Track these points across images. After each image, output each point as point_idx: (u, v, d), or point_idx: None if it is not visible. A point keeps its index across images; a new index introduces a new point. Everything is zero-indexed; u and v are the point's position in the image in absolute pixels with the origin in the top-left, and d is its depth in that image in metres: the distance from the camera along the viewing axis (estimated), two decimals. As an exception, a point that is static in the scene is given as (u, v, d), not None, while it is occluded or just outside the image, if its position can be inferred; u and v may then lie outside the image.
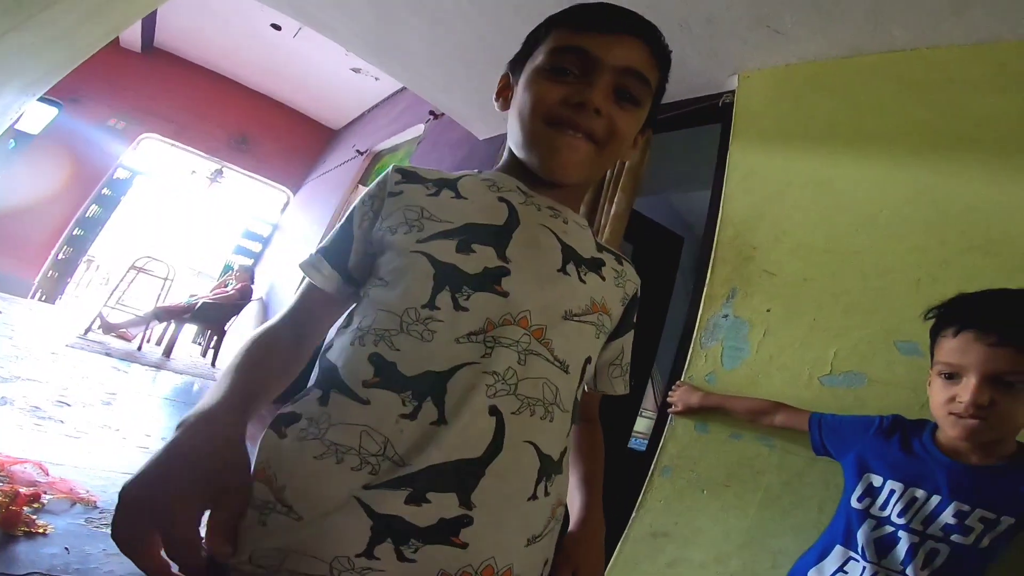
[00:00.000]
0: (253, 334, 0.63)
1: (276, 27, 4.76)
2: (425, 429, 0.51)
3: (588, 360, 0.63)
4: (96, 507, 1.72)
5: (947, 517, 0.91)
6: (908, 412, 0.99)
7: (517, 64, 0.69)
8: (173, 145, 6.22)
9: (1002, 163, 1.14)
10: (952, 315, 0.91)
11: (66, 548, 1.42)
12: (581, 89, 0.61)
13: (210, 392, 0.53)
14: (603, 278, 0.67)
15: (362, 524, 0.48)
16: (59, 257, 5.73)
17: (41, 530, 1.47)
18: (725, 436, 1.31)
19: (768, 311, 1.34)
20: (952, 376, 0.88)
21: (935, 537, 0.92)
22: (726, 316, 1.40)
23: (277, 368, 0.60)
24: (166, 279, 5.60)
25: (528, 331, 0.55)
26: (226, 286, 5.48)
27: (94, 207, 5.90)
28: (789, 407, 1.19)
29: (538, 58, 0.65)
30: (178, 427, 0.47)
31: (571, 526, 0.70)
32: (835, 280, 1.27)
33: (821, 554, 1.05)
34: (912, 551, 0.93)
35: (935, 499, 0.93)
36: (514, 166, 0.69)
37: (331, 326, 0.65)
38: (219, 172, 6.86)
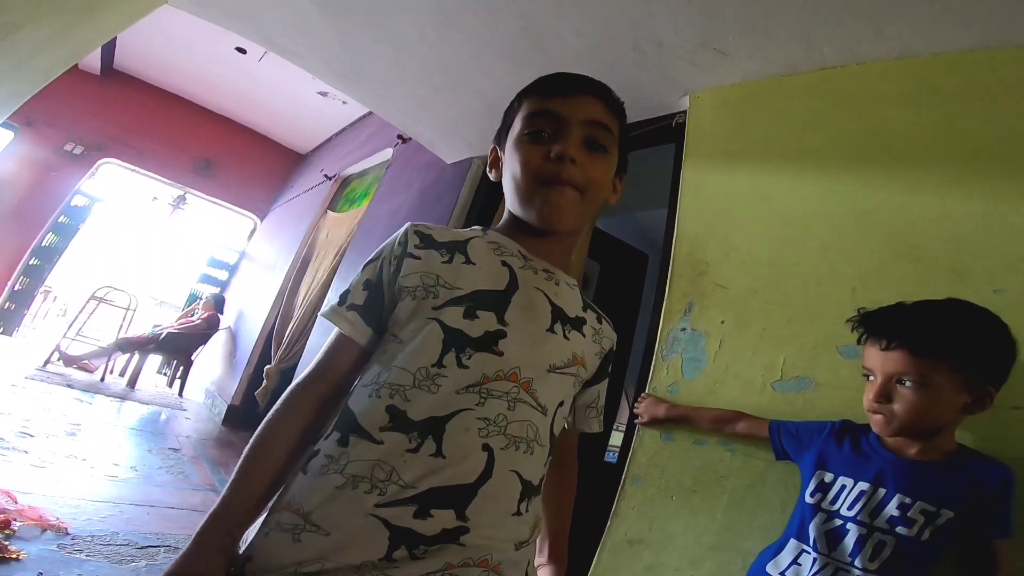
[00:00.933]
0: (286, 404, 0.71)
1: (241, 51, 4.75)
2: (425, 460, 0.62)
3: (561, 403, 0.75)
4: (68, 534, 1.71)
5: (892, 509, 0.98)
6: (854, 412, 1.06)
7: (500, 137, 0.82)
8: (133, 171, 6.03)
9: (922, 175, 1.25)
10: (861, 325, 1.02)
11: (40, 573, 1.42)
12: (556, 145, 0.73)
13: (213, 508, 0.64)
14: (583, 335, 0.78)
15: (381, 535, 0.60)
16: (15, 288, 5.52)
17: (14, 555, 1.47)
18: (689, 443, 1.37)
19: (722, 323, 1.42)
20: (869, 378, 0.99)
21: (882, 529, 0.98)
22: (684, 329, 1.48)
23: (297, 447, 0.69)
24: (128, 309, 5.46)
25: (518, 384, 0.68)
26: (192, 316, 5.37)
27: (51, 235, 5.69)
28: (749, 416, 1.26)
29: (517, 127, 0.78)
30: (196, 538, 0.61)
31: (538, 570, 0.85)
32: (779, 291, 1.35)
33: (778, 549, 1.12)
34: (860, 543, 0.99)
35: (881, 492, 1.00)
36: (514, 228, 0.80)
37: (358, 374, 0.73)
38: (182, 198, 6.70)
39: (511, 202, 0.78)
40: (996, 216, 1.13)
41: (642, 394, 1.49)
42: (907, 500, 0.97)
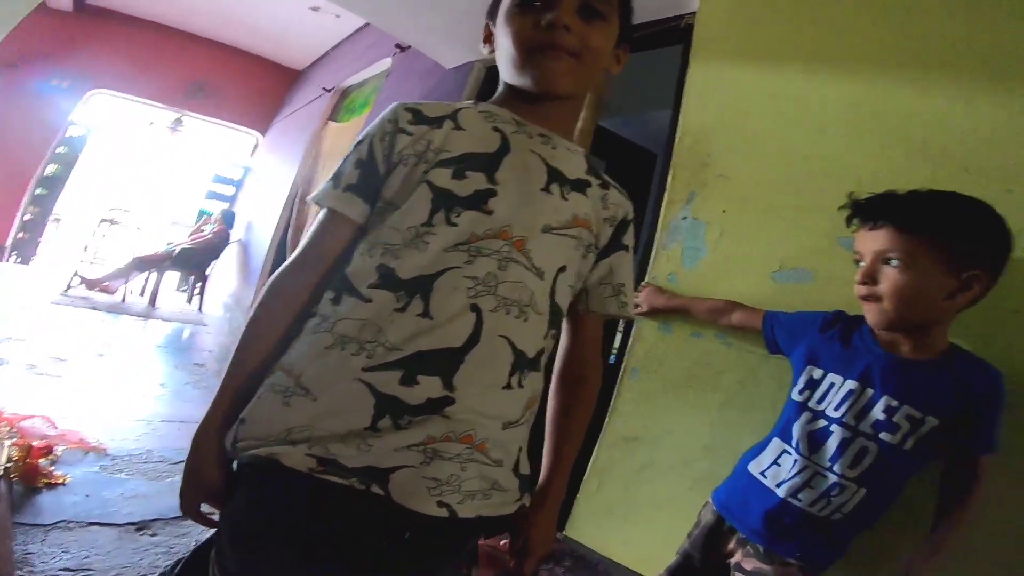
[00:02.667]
0: (275, 288, 0.71)
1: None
2: (413, 320, 0.62)
3: (563, 268, 0.72)
4: (107, 454, 1.80)
5: (877, 412, 0.97)
6: (852, 305, 1.05)
7: (492, 11, 0.79)
8: (125, 98, 5.92)
9: (938, 78, 1.19)
10: (851, 209, 1.00)
11: (87, 495, 1.51)
12: (547, 12, 0.70)
13: (215, 398, 0.68)
14: (587, 196, 0.75)
15: (367, 403, 0.61)
16: (26, 218, 5.59)
17: (61, 480, 1.54)
18: (687, 335, 1.39)
19: (724, 212, 1.39)
20: (860, 264, 0.98)
21: (865, 434, 0.98)
22: (685, 218, 1.46)
23: (292, 326, 0.70)
24: (139, 229, 5.53)
25: (509, 242, 0.66)
26: (203, 231, 5.43)
27: (52, 166, 5.71)
28: (745, 306, 1.26)
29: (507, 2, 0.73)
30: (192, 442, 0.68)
31: (536, 490, 0.80)
32: (785, 183, 1.32)
33: (761, 447, 1.13)
34: (842, 447, 0.99)
35: (869, 392, 0.99)
36: (509, 98, 0.77)
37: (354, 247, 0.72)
38: (179, 121, 6.60)
39: (505, 73, 0.76)
40: (1013, 118, 1.08)
41: (642, 283, 1.50)
42: (893, 403, 0.96)
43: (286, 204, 4.44)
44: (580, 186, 0.75)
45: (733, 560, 1.11)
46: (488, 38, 0.81)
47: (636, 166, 2.77)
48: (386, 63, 3.84)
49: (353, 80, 4.53)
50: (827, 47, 1.37)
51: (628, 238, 0.82)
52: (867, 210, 0.97)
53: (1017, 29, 1.12)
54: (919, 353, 0.97)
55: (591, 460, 1.54)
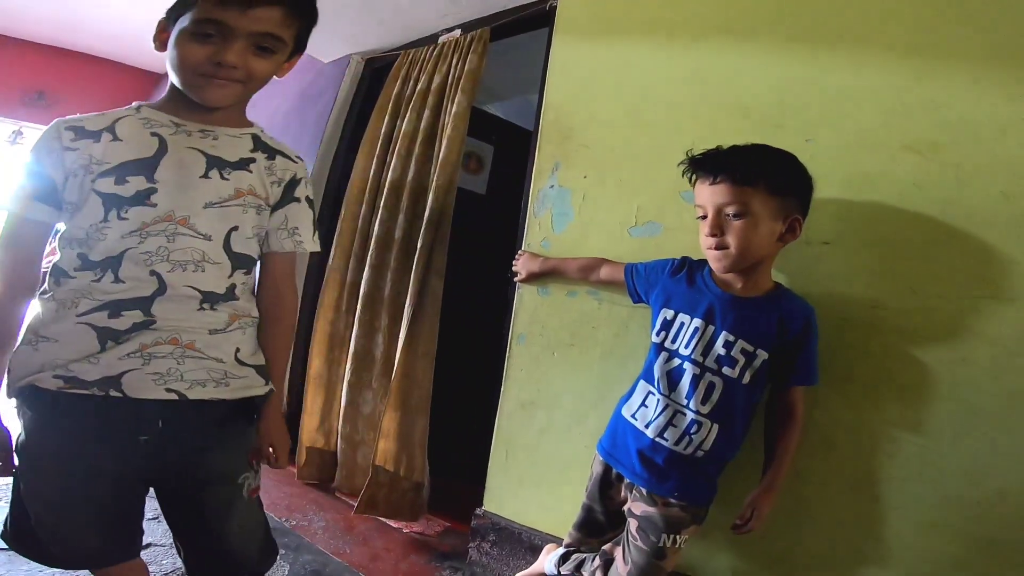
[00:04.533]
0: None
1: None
2: (108, 286, 0.79)
3: (235, 228, 0.87)
4: None
5: (719, 348, 1.08)
6: (697, 252, 1.16)
7: (171, 14, 0.83)
8: None
9: (755, 45, 1.35)
10: (690, 166, 1.11)
11: None
12: (219, 51, 0.79)
13: None
14: (250, 171, 0.89)
15: (91, 335, 0.78)
16: None
17: None
18: (563, 296, 1.48)
19: (585, 178, 1.50)
20: (703, 217, 1.08)
21: (711, 369, 1.08)
22: (552, 187, 1.55)
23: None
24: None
25: (173, 222, 0.82)
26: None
27: None
28: (610, 261, 1.36)
29: (186, 21, 0.80)
30: None
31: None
32: (632, 147, 1.45)
33: (631, 391, 1.21)
34: (694, 383, 1.09)
35: (711, 329, 1.10)
36: (173, 99, 0.87)
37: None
38: (19, 132, 5.96)
39: (172, 77, 0.85)
40: (812, 80, 1.25)
41: (518, 252, 1.57)
42: (731, 338, 1.07)
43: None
44: (243, 164, 0.89)
45: (625, 506, 1.19)
46: (160, 35, 0.86)
47: (519, 146, 2.84)
48: (258, 60, 3.68)
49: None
50: (666, 21, 1.49)
51: (300, 191, 0.96)
52: (705, 166, 1.07)
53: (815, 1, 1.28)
54: (750, 291, 1.10)
55: (495, 431, 1.60)
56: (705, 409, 1.08)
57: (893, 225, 1.13)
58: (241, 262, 0.89)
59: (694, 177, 1.10)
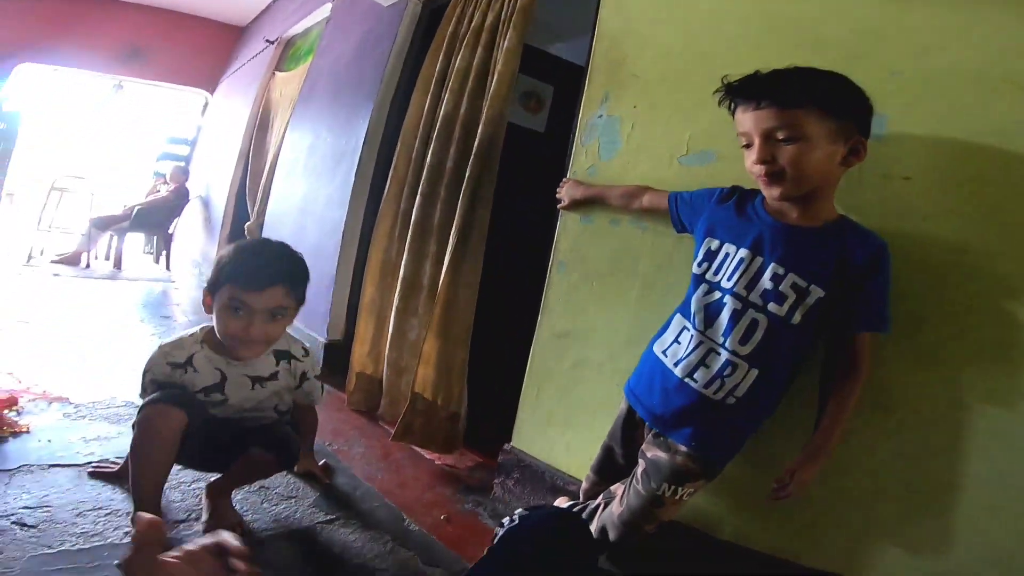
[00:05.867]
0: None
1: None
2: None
3: (275, 406, 1.38)
4: (70, 403, 1.83)
5: (766, 281, 0.99)
6: (749, 183, 1.10)
7: (211, 288, 1.25)
8: (57, 69, 5.67)
9: None
10: (728, 93, 1.01)
11: (49, 440, 1.54)
12: (246, 326, 1.21)
13: None
14: (278, 379, 1.35)
15: None
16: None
17: (23, 428, 1.58)
18: (606, 223, 1.45)
19: (635, 107, 1.45)
20: (748, 145, 0.99)
21: (755, 305, 1.00)
22: (601, 116, 1.51)
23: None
24: (92, 195, 5.41)
25: (241, 411, 1.32)
26: (157, 190, 5.34)
27: (-8, 143, 5.51)
28: (654, 189, 1.31)
29: (222, 297, 1.22)
30: None
31: None
32: (688, 78, 1.38)
33: (666, 326, 1.15)
34: (734, 319, 1.01)
35: (759, 260, 1.01)
36: (221, 345, 1.28)
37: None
38: (119, 86, 6.36)
39: (218, 333, 1.27)
40: (897, 16, 1.12)
41: (563, 179, 1.55)
42: (780, 271, 0.98)
43: (240, 156, 4.43)
44: (272, 377, 1.34)
45: (642, 448, 1.14)
46: (206, 302, 1.26)
47: (580, 85, 2.81)
48: (326, 9, 3.81)
49: (296, 30, 4.49)
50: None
51: (309, 374, 1.42)
52: (747, 91, 0.98)
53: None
54: (807, 221, 1.00)
55: (528, 364, 1.60)
56: (744, 350, 1.00)
57: (988, 163, 1.01)
58: (281, 413, 1.40)
59: (733, 105, 1.01)
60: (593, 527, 1.16)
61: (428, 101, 2.20)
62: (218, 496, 1.32)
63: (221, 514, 1.28)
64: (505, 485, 1.60)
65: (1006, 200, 0.99)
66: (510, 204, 2.06)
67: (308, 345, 1.45)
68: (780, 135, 0.94)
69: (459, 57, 2.11)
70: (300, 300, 1.30)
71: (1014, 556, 0.97)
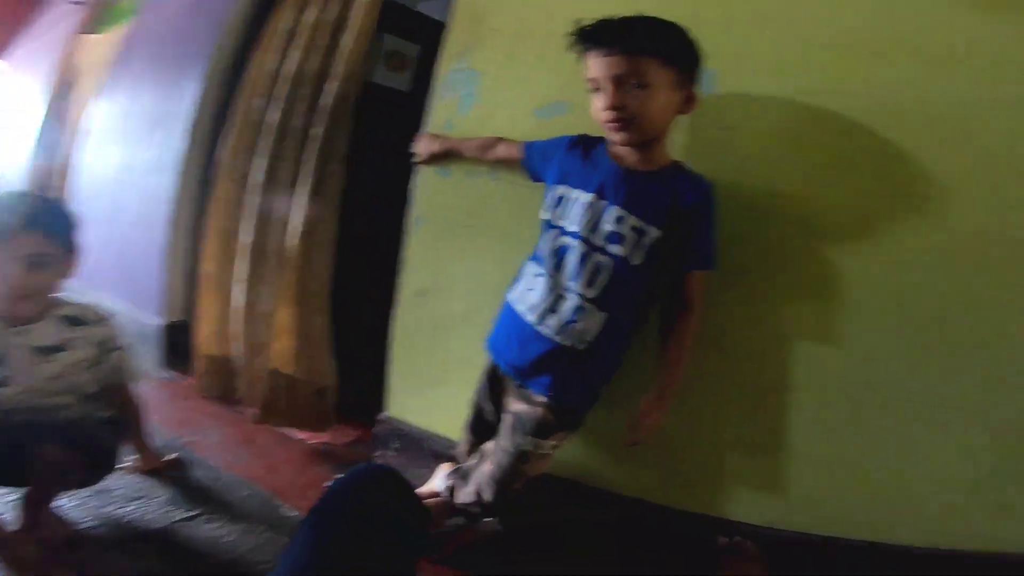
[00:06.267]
0: None
1: None
2: None
3: (77, 393, 1.18)
4: None
5: (608, 223, 1.03)
6: (598, 132, 1.11)
7: None
8: None
9: None
10: (579, 38, 1.03)
11: None
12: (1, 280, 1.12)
13: None
14: (71, 350, 1.17)
15: None
16: None
17: None
18: (462, 176, 1.42)
19: (495, 61, 1.43)
20: (597, 90, 1.01)
21: (599, 248, 1.03)
22: (461, 70, 1.47)
23: None
24: None
25: (30, 394, 1.12)
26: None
27: None
28: (507, 140, 1.30)
29: None
30: None
31: None
32: (545, 31, 1.36)
33: (520, 274, 1.16)
34: (581, 263, 1.04)
35: (601, 204, 1.04)
36: None
37: None
38: None
39: None
40: None
41: (417, 134, 1.50)
42: (621, 214, 1.02)
43: (43, 126, 3.81)
44: (60, 348, 1.16)
45: (506, 402, 1.14)
46: None
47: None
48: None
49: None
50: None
51: (112, 348, 1.25)
52: (600, 37, 1.00)
53: None
54: (645, 165, 1.06)
55: (392, 325, 1.53)
56: (591, 292, 1.04)
57: (804, 118, 1.11)
58: (88, 401, 1.21)
59: (585, 51, 1.03)
60: (470, 489, 1.15)
61: (273, 57, 2.01)
62: (34, 507, 1.06)
63: (39, 525, 1.05)
64: (384, 457, 1.53)
65: (817, 151, 1.11)
66: (374, 164, 1.97)
67: (106, 310, 1.29)
68: (632, 80, 0.97)
69: (309, 12, 1.96)
70: (68, 248, 1.18)
71: (851, 493, 1.09)
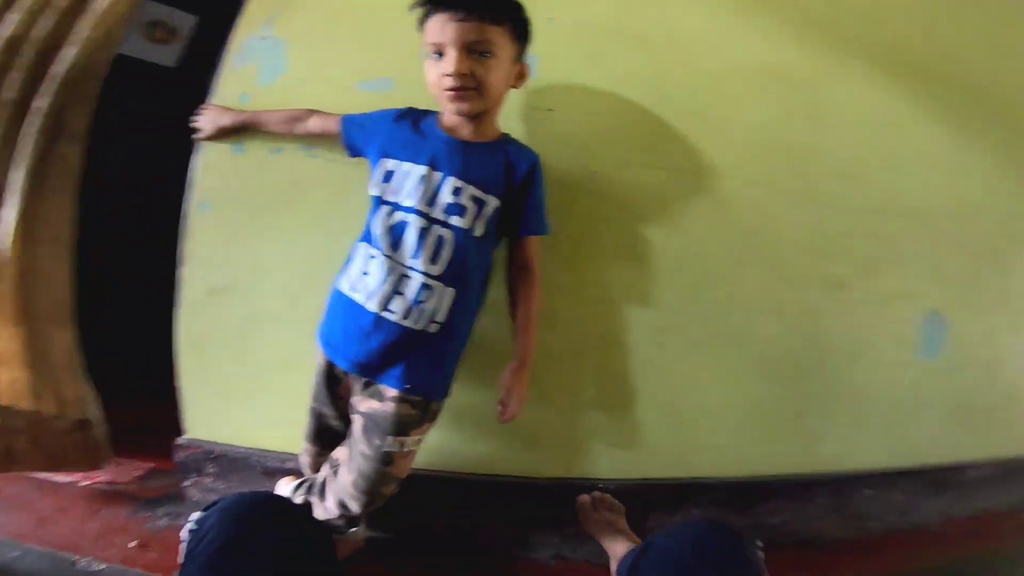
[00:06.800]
0: None
1: None
2: None
3: None
4: None
5: (446, 196, 0.99)
6: (430, 107, 1.09)
7: None
8: None
9: None
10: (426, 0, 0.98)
11: None
12: None
13: None
14: None
15: None
16: None
17: None
18: (265, 153, 1.23)
19: (309, 30, 1.27)
20: (439, 55, 0.97)
21: (439, 221, 0.99)
22: (264, 38, 1.27)
23: None
24: None
25: None
26: None
27: None
28: (321, 112, 1.18)
29: None
30: None
31: None
32: (367, 2, 1.29)
33: (349, 260, 1.05)
34: (421, 238, 0.98)
35: (437, 176, 1.00)
36: None
37: None
38: None
39: None
40: None
41: (201, 106, 1.25)
42: (459, 184, 0.99)
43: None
44: None
45: (352, 402, 1.04)
46: None
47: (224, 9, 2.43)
48: None
49: None
50: None
51: None
52: (450, 0, 0.95)
53: None
54: (479, 136, 1.04)
55: (176, 332, 1.26)
56: (435, 269, 0.98)
57: (610, 103, 1.24)
58: None
59: (428, 13, 0.97)
60: (329, 503, 1.06)
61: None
62: None
63: None
64: (202, 484, 1.28)
65: (616, 132, 1.25)
66: (134, 144, 1.62)
67: None
68: (479, 48, 0.95)
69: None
70: None
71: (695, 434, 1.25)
